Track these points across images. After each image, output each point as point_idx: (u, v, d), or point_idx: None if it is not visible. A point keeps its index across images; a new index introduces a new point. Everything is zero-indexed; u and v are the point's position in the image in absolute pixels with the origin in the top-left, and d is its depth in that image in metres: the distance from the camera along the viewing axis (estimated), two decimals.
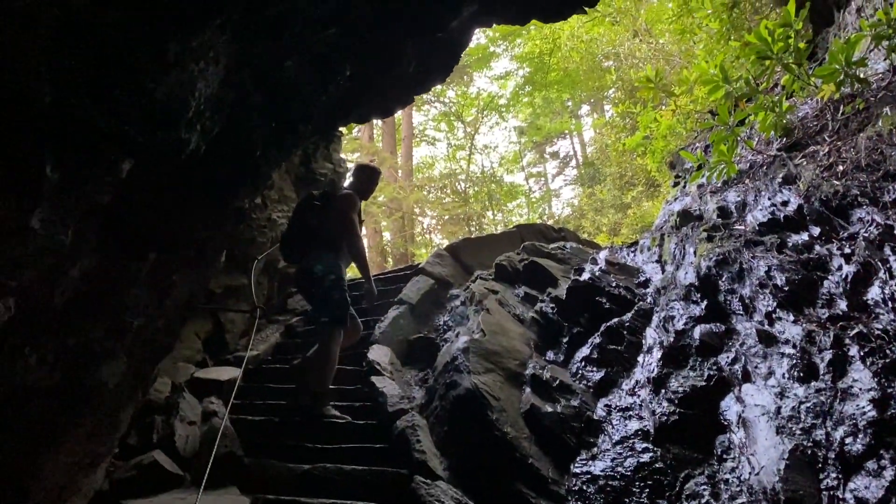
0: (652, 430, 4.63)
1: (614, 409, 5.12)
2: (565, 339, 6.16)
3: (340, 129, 8.77)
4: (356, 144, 22.23)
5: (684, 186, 9.72)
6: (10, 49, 1.33)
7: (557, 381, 5.39)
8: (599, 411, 5.17)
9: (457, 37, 4.69)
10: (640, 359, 5.59)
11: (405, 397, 5.26)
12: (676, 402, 4.72)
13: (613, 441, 4.76)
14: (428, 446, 4.44)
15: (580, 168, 29.97)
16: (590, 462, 4.69)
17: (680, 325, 5.38)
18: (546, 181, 34.72)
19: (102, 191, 1.45)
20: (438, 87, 29.66)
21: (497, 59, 29.33)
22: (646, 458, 4.48)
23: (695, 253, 6.04)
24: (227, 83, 2.11)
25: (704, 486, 4.08)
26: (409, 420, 4.63)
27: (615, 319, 6.05)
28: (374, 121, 26.29)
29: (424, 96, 30.30)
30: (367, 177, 5.85)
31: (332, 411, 5.00)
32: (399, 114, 26.57)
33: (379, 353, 5.95)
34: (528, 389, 5.35)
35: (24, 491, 2.85)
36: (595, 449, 4.80)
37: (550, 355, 6.08)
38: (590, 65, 21.22)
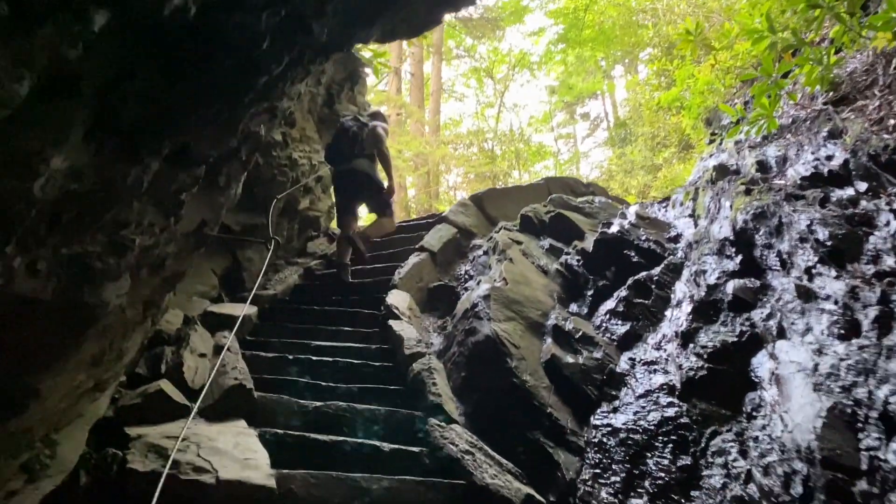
0: (678, 385, 4.44)
1: (638, 362, 4.93)
2: (590, 292, 5.96)
3: (365, 60, 8.53)
4: (383, 97, 21.89)
5: (720, 143, 9.39)
6: None
7: (580, 333, 5.21)
8: (623, 364, 4.99)
9: None
10: (667, 313, 5.38)
11: (422, 342, 5.11)
12: (705, 357, 4.52)
13: (637, 394, 4.59)
14: (444, 390, 4.29)
15: (611, 129, 29.35)
16: (611, 415, 4.52)
17: (712, 280, 5.15)
18: (575, 143, 34.12)
19: (68, 42, 1.26)
20: (469, 41, 29.13)
21: (531, 13, 28.60)
22: (670, 412, 4.31)
23: (731, 207, 5.78)
24: None
25: (732, 444, 3.90)
26: (426, 363, 4.48)
27: (643, 273, 5.83)
28: (403, 73, 25.86)
29: (455, 51, 29.73)
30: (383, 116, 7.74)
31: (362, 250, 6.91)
32: (428, 68, 26.11)
33: (398, 298, 5.80)
34: (549, 340, 5.18)
35: (21, 408, 2.75)
36: (617, 402, 4.63)
37: (574, 308, 5.89)
38: (626, 20, 20.59)
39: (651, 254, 6.13)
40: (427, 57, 26.09)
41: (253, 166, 6.34)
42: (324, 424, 3.68)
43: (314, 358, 4.62)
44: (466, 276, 6.80)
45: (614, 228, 6.56)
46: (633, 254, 6.16)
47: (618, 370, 4.91)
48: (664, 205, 7.73)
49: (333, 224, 8.67)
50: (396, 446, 3.59)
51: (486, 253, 6.84)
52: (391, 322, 5.27)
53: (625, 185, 19.97)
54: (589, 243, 6.51)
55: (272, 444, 3.24)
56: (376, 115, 7.80)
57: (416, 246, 7.04)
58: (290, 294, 6.48)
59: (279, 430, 3.44)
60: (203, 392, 3.52)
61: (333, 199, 8.27)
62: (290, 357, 4.56)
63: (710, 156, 9.10)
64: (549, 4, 26.64)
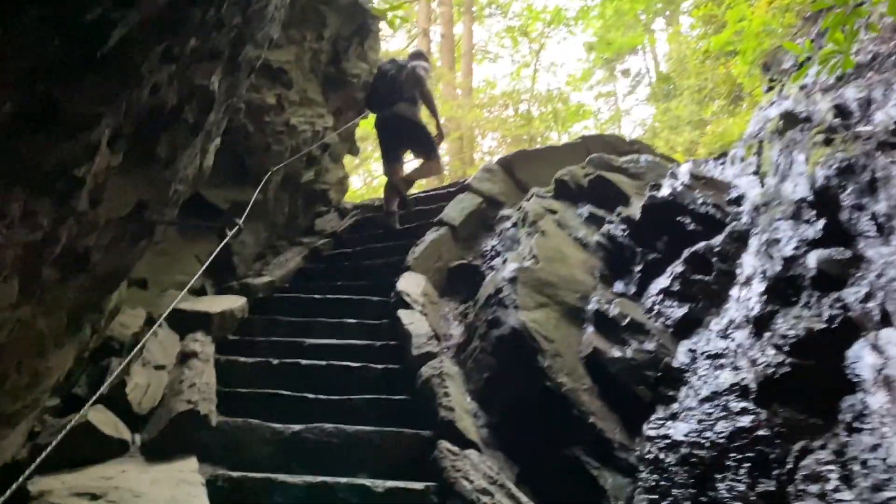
0: (753, 385, 3.56)
1: (700, 354, 4.05)
2: (638, 268, 5.07)
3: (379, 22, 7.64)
4: None
5: (782, 89, 8.33)
6: None
7: (628, 319, 4.34)
8: (681, 357, 4.11)
9: None
10: (733, 292, 4.46)
11: (437, 336, 4.30)
12: (786, 349, 3.62)
13: (700, 397, 3.71)
14: (459, 400, 3.48)
15: (653, 85, 27.98)
16: (668, 423, 3.67)
17: (788, 251, 4.23)
18: (616, 101, 32.75)
19: None
20: None
21: None
22: (744, 421, 3.43)
23: (807, 161, 4.80)
24: None
25: (829, 466, 3.02)
26: (437, 367, 3.67)
27: (702, 244, 4.90)
28: (432, 35, 24.76)
29: (487, 10, 28.55)
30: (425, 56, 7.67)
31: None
32: (459, 28, 24.95)
33: (410, 283, 4.97)
34: (590, 328, 4.34)
35: None
36: (675, 406, 3.77)
37: (619, 287, 5.02)
38: None
39: (710, 220, 5.19)
40: (458, 17, 24.99)
41: (242, 134, 5.56)
42: (302, 457, 2.91)
43: (304, 362, 3.83)
44: (493, 253, 5.94)
45: (665, 191, 5.61)
46: (688, 220, 5.23)
47: (675, 365, 4.04)
48: (721, 162, 6.72)
49: (345, 197, 7.89)
50: (394, 484, 2.79)
51: (514, 225, 5.97)
52: (401, 313, 4.46)
53: (670, 142, 18.76)
54: (635, 209, 5.59)
55: (225, 492, 2.48)
56: (417, 56, 7.60)
57: (435, 220, 6.18)
58: (291, 280, 5.71)
59: (234, 474, 2.67)
60: (151, 419, 2.77)
61: (344, 171, 7.52)
62: (275, 362, 3.78)
63: (772, 104, 8.03)
64: None
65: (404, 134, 7.02)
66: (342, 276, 5.67)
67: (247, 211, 3.58)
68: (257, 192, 4.38)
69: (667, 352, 4.14)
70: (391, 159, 7.20)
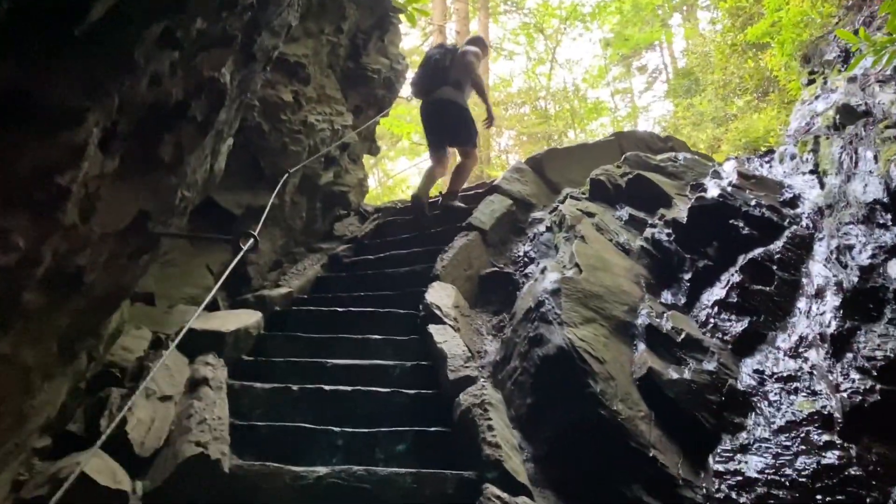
0: (838, 415, 3.14)
1: (769, 376, 3.63)
2: (686, 276, 4.64)
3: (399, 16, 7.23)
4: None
5: (825, 82, 7.88)
6: None
7: (683, 335, 3.92)
8: (746, 378, 3.69)
9: None
10: (801, 305, 4.04)
11: (473, 355, 3.89)
12: (874, 373, 3.21)
13: (774, 426, 3.29)
14: (504, 435, 3.07)
15: (671, 81, 27.52)
16: (738, 456, 3.24)
17: (864, 259, 3.81)
18: (632, 97, 32.29)
19: None
20: None
21: None
22: (831, 458, 3.00)
23: (876, 158, 4.37)
24: None
25: None
26: (478, 395, 3.25)
27: (759, 250, 4.48)
28: (447, 33, 24.34)
29: (502, 6, 28.18)
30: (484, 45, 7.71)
31: (458, 203, 6.73)
32: (474, 25, 24.50)
33: (440, 294, 4.56)
34: (641, 346, 3.91)
35: None
36: (744, 435, 3.35)
37: (667, 297, 4.58)
38: None
39: (766, 223, 4.76)
40: (474, 14, 24.63)
41: (256, 134, 5.18)
42: None
43: (327, 388, 3.42)
44: (526, 259, 5.52)
45: (713, 191, 5.18)
46: (741, 224, 4.80)
47: (740, 387, 3.62)
48: (767, 160, 6.28)
49: (365, 199, 7.50)
50: None
51: (549, 228, 5.55)
52: (431, 328, 4.05)
53: (692, 139, 18.25)
54: (680, 212, 5.16)
55: None
56: (473, 41, 7.61)
57: (464, 223, 5.75)
58: (310, 290, 5.30)
59: None
60: (157, 462, 2.38)
61: (364, 172, 7.15)
62: (295, 388, 3.38)
63: (816, 97, 7.60)
64: None
65: (447, 119, 6.91)
66: (365, 286, 5.26)
67: (262, 219, 3.20)
68: (273, 195, 3.97)
69: (729, 372, 3.71)
70: (434, 148, 7.13)
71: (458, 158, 7.36)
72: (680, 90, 23.39)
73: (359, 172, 7.13)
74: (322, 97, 5.71)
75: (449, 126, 6.97)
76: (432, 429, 3.22)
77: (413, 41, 24.31)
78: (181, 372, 3.14)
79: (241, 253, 2.69)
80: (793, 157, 5.77)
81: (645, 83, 32.20)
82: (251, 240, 2.68)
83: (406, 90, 8.27)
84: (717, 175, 5.92)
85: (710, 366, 3.73)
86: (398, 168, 25.33)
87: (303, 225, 5.86)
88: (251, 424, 3.02)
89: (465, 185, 7.39)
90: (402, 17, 7.63)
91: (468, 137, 7.03)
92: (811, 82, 8.53)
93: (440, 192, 7.22)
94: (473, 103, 9.74)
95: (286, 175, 4.84)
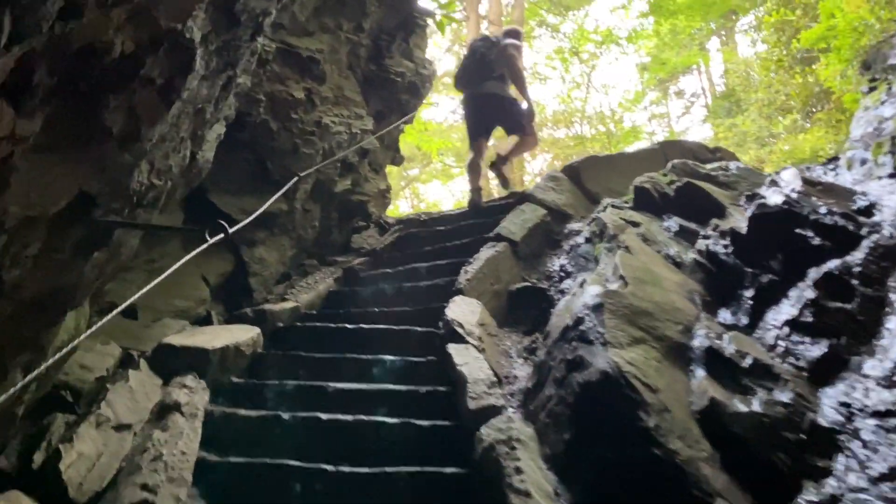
0: None
1: (859, 410, 2.99)
2: (748, 293, 4.04)
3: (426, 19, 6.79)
4: None
5: (889, 88, 7.25)
6: None
7: (749, 360, 3.32)
8: (829, 412, 3.06)
9: None
10: (890, 325, 3.40)
11: (499, 379, 3.32)
12: None
13: (874, 473, 2.66)
14: (535, 479, 2.49)
15: (711, 103, 27.07)
16: None
17: None
18: (669, 122, 31.78)
19: None
20: (552, 19, 27.30)
21: None
22: None
23: None
24: None
25: None
26: (503, 428, 2.69)
27: (834, 262, 3.85)
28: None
29: (536, 30, 27.96)
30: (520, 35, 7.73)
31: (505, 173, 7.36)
32: None
33: (464, 309, 4.00)
34: (699, 372, 3.32)
35: None
36: (833, 483, 2.73)
37: (726, 316, 3.99)
38: None
39: (840, 233, 4.11)
40: None
41: (263, 132, 4.71)
42: None
43: (324, 417, 2.88)
44: (562, 274, 4.94)
45: (776, 199, 4.55)
46: (810, 233, 4.16)
47: (823, 423, 2.99)
48: (832, 167, 5.65)
49: (388, 212, 7.02)
50: None
51: (588, 240, 4.97)
52: (451, 348, 3.49)
53: None
54: (738, 222, 4.56)
55: None
56: (511, 33, 7.55)
57: (492, 234, 5.20)
58: (320, 306, 4.79)
59: None
60: None
61: (387, 182, 6.70)
62: (286, 417, 2.84)
63: (882, 103, 6.95)
64: None
65: (493, 111, 6.98)
66: (381, 302, 4.73)
67: (248, 220, 2.69)
68: (274, 199, 3.47)
69: (807, 405, 3.10)
70: (474, 137, 7.15)
71: (485, 154, 7.43)
72: (720, 111, 22.87)
73: (380, 182, 6.64)
74: (340, 98, 5.24)
75: (497, 118, 7.06)
76: (448, 469, 2.65)
77: (445, 65, 24.15)
78: (150, 395, 2.64)
79: (205, 246, 2.20)
80: (864, 162, 5.14)
81: (683, 107, 31.68)
82: (220, 234, 2.18)
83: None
84: (774, 184, 5.29)
85: (783, 396, 3.12)
86: (431, 191, 25.08)
87: (316, 235, 5.36)
88: (226, 461, 2.49)
89: (492, 198, 7.07)
90: (430, 20, 7.19)
91: (519, 124, 7.04)
92: (872, 89, 7.92)
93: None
94: None
95: (295, 179, 4.35)
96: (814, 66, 13.19)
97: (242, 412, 2.91)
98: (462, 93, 7.40)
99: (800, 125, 16.28)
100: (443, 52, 24.63)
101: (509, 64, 6.89)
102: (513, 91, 7.21)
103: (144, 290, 2.04)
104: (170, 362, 2.90)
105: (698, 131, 29.52)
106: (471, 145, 7.28)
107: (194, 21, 2.19)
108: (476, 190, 6.93)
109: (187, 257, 2.17)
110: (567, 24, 27.87)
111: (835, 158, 5.87)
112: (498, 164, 7.18)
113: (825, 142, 14.05)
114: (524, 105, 7.13)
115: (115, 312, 2.00)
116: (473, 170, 7.10)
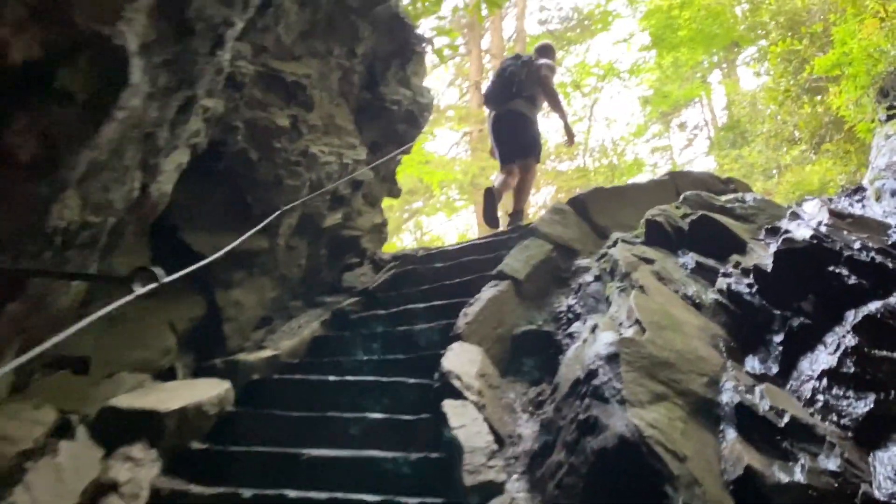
0: None
1: None
2: (777, 338, 3.64)
3: (424, 46, 6.49)
4: (463, 112, 20.14)
5: None
6: None
7: (787, 418, 2.91)
8: (885, 482, 2.63)
9: None
10: None
11: (502, 441, 2.90)
12: None
13: None
14: None
15: (715, 136, 27.05)
16: None
17: None
18: (671, 154, 31.74)
19: None
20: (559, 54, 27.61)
21: (619, 18, 26.61)
22: None
23: None
24: None
25: None
26: None
27: (876, 304, 3.43)
28: (483, 89, 24.07)
29: None
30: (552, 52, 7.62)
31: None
32: None
33: (461, 359, 3.58)
34: (730, 432, 2.91)
35: None
36: None
37: (754, 364, 3.59)
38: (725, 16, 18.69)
39: (877, 270, 3.71)
40: None
41: (241, 163, 4.34)
42: None
43: (292, 495, 2.45)
44: (570, 315, 4.53)
45: (804, 233, 4.17)
46: (844, 271, 3.76)
47: (880, 496, 2.56)
48: (857, 198, 5.26)
49: (384, 248, 6.63)
50: None
51: (597, 278, 4.58)
52: (447, 405, 3.07)
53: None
54: (761, 258, 4.18)
55: None
56: (543, 51, 7.47)
57: (493, 272, 4.80)
58: (303, 353, 4.38)
59: None
60: None
61: (382, 216, 6.34)
62: (247, 496, 2.42)
63: None
64: (639, 5, 24.89)
65: (516, 132, 6.95)
66: (371, 349, 4.32)
67: (205, 262, 2.30)
68: (248, 235, 3.09)
69: (859, 473, 2.67)
70: (504, 161, 7.11)
71: (517, 176, 7.23)
72: (724, 143, 22.71)
73: (375, 216, 6.26)
74: (330, 127, 4.90)
75: (517, 140, 7.00)
76: None
77: (449, 99, 24.09)
78: (83, 473, 2.22)
79: (132, 297, 1.80)
80: (894, 194, 4.75)
81: (686, 140, 31.63)
82: (153, 284, 1.78)
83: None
84: (796, 216, 4.92)
85: (830, 463, 2.69)
86: (435, 223, 24.87)
87: (302, 274, 4.97)
88: None
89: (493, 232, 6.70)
90: (428, 47, 6.90)
91: (532, 151, 7.11)
92: (891, 118, 7.61)
93: (508, 213, 7.36)
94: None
95: (278, 212, 3.98)
96: (822, 97, 12.94)
97: (196, 489, 2.48)
98: (489, 111, 7.37)
99: (807, 156, 16.05)
100: (445, 85, 24.61)
101: (543, 84, 6.85)
102: (540, 113, 7.38)
103: (43, 346, 1.63)
104: (115, 428, 2.49)
105: (702, 163, 29.40)
106: (501, 167, 7.21)
107: (128, 25, 1.82)
108: (494, 190, 6.81)
109: (107, 309, 1.75)
110: (569, 58, 27.99)
111: (860, 188, 5.49)
112: (513, 220, 7.01)
113: (834, 173, 13.79)
114: (561, 123, 7.25)
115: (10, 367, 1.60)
116: (502, 182, 6.98)
